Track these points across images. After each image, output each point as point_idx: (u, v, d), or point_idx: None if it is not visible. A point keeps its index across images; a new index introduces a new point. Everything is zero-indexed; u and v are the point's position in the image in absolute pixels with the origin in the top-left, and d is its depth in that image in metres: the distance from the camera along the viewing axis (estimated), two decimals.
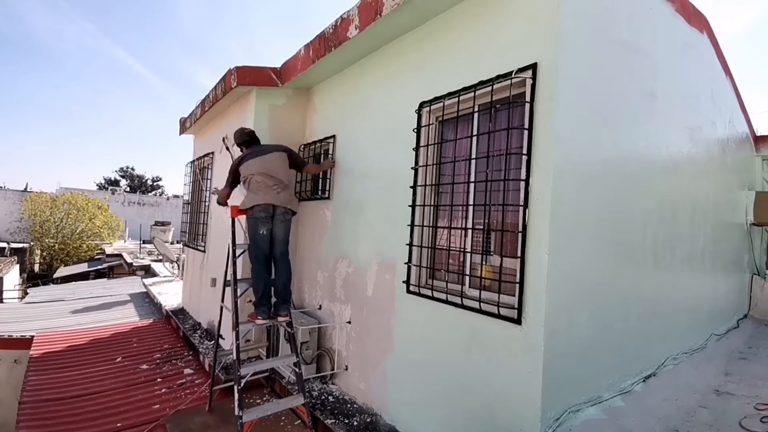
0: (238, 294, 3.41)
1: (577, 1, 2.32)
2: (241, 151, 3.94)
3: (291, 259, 3.80)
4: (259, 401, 3.77)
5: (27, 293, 10.36)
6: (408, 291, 3.01)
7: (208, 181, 6.00)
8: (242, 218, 3.68)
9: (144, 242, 20.83)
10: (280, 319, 3.54)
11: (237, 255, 3.55)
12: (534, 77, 2.29)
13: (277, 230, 3.63)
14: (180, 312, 6.53)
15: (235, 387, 3.05)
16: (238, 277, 4.11)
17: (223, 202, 3.94)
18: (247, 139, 3.91)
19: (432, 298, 2.80)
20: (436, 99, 2.90)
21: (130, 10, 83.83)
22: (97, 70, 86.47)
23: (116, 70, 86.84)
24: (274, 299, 3.61)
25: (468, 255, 2.73)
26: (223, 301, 3.72)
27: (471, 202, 2.70)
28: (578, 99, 2.38)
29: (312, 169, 4.23)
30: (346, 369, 3.68)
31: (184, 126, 7.06)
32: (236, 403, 2.99)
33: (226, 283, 3.69)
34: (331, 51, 3.62)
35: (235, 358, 3.18)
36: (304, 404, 3.22)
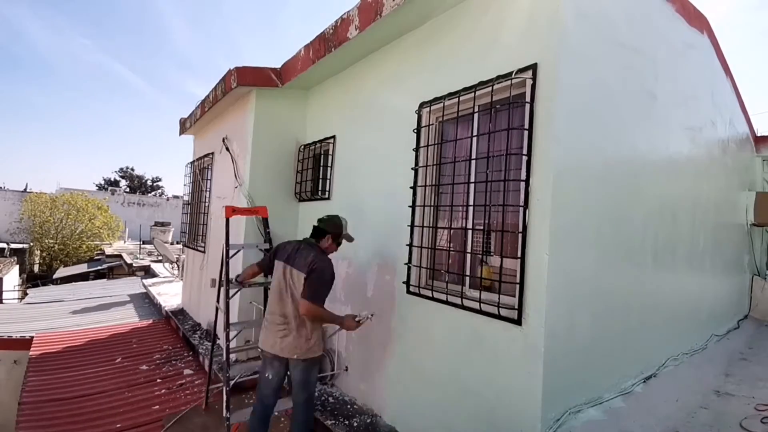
0: (230, 295, 3.37)
1: (577, 2, 2.32)
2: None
3: None
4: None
5: (27, 294, 10.35)
6: (408, 292, 3.00)
7: (208, 181, 5.99)
8: (236, 218, 3.58)
9: (144, 243, 20.85)
10: None
11: (230, 255, 3.49)
12: (534, 78, 2.29)
13: (293, 374, 2.77)
14: (180, 313, 6.52)
15: (224, 389, 3.03)
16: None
17: (247, 277, 3.27)
18: (316, 225, 2.98)
19: (432, 298, 2.80)
20: (437, 99, 2.90)
21: (124, 27, 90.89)
22: (94, 80, 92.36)
23: (112, 80, 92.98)
24: None
25: (468, 256, 2.73)
26: (218, 301, 3.70)
27: (471, 202, 2.70)
28: (578, 99, 2.38)
29: (317, 315, 2.74)
30: (346, 370, 3.68)
31: (183, 126, 7.06)
32: (224, 405, 2.97)
33: (219, 284, 3.63)
34: (331, 51, 3.62)
35: (224, 359, 3.15)
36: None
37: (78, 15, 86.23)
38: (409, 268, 3.01)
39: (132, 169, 45.78)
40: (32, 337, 5.46)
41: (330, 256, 2.92)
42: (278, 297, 2.79)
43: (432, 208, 2.98)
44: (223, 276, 3.49)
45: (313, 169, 4.60)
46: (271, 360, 2.77)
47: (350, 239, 3.10)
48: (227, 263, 3.41)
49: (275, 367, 2.78)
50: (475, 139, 2.71)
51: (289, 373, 2.82)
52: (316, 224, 2.97)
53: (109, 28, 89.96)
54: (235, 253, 3.52)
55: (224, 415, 2.96)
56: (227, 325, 3.21)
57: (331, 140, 4.22)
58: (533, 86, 2.29)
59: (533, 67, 2.29)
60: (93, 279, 14.81)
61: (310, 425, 2.85)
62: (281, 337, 2.70)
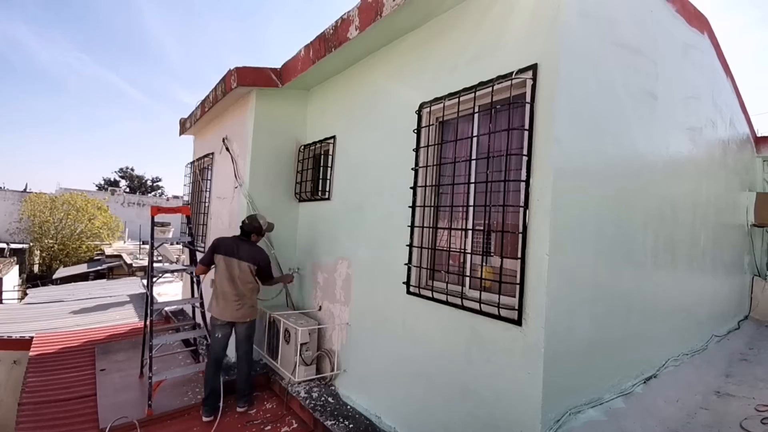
0: (153, 282, 4.22)
1: (577, 2, 2.32)
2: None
3: (293, 257, 4.00)
4: (256, 401, 3.77)
5: (26, 294, 10.35)
6: (408, 292, 3.00)
7: (208, 181, 5.99)
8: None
9: (144, 243, 20.81)
10: (238, 409, 3.64)
11: (156, 246, 4.26)
12: (534, 78, 2.29)
13: (238, 332, 3.75)
14: (180, 313, 6.52)
15: (149, 354, 3.79)
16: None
17: (199, 273, 4.06)
18: (242, 226, 3.89)
19: (432, 299, 2.79)
20: (437, 100, 2.90)
21: (119, 44, 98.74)
22: (91, 90, 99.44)
23: (109, 90, 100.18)
24: (235, 394, 3.75)
25: (468, 256, 2.73)
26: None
27: (471, 202, 2.69)
28: (578, 100, 2.38)
29: (272, 282, 4.05)
30: (346, 370, 3.67)
31: (184, 127, 7.06)
32: (148, 367, 3.72)
33: (150, 274, 4.27)
34: (331, 51, 3.62)
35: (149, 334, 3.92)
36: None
37: (74, 32, 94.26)
38: (409, 269, 3.01)
39: (132, 170, 45.80)
40: (32, 338, 5.46)
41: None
42: (230, 281, 3.69)
43: (432, 208, 2.98)
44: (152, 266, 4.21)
45: (313, 170, 4.59)
46: (223, 325, 3.69)
47: (271, 229, 4.07)
48: (151, 253, 4.31)
49: (225, 329, 3.71)
50: (475, 139, 2.71)
51: (236, 332, 3.76)
52: (242, 226, 3.88)
53: (105, 44, 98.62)
54: (159, 245, 4.11)
55: (148, 375, 3.67)
56: (150, 309, 3.94)
57: (331, 140, 4.22)
58: (533, 86, 2.29)
59: (533, 68, 2.29)
60: (93, 279, 14.79)
61: (253, 373, 3.89)
62: (236, 309, 3.67)
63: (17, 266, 16.98)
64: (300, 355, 3.71)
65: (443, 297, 2.69)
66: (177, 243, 4.42)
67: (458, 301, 2.58)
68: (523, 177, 2.30)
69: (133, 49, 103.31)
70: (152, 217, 4.31)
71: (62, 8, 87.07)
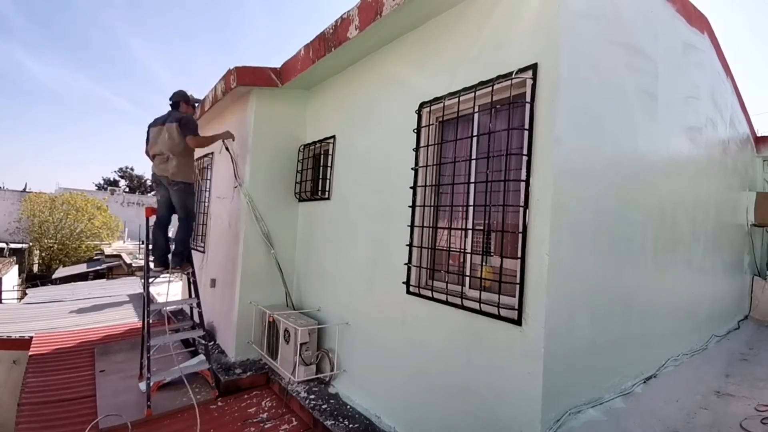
0: (150, 281, 4.39)
1: (577, 2, 2.32)
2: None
3: (293, 257, 4.15)
4: (255, 400, 3.77)
5: (26, 294, 10.35)
6: (408, 292, 3.00)
7: (208, 181, 5.98)
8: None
9: (143, 243, 20.80)
10: (170, 268, 4.27)
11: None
12: (534, 78, 2.29)
13: (173, 198, 4.26)
14: (179, 313, 6.52)
15: (146, 355, 3.78)
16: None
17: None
18: (170, 103, 4.38)
19: (432, 299, 2.79)
20: (437, 99, 2.90)
21: (112, 65, 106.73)
22: (88, 103, 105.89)
23: (102, 103, 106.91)
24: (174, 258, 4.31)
25: (468, 256, 2.72)
26: (190, 295, 4.61)
27: (471, 202, 2.69)
28: (578, 100, 2.38)
29: (201, 141, 4.28)
30: (346, 370, 3.67)
31: None
32: (146, 367, 3.71)
33: (146, 276, 4.34)
34: (331, 51, 3.61)
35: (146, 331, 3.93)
36: (209, 369, 4.04)
37: (70, 54, 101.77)
38: (409, 269, 3.00)
39: (131, 169, 45.81)
40: (31, 338, 5.45)
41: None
42: (160, 143, 4.13)
43: (432, 208, 2.97)
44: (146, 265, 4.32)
45: (313, 169, 4.59)
46: (159, 185, 4.27)
47: (196, 101, 4.73)
48: (147, 254, 4.37)
49: (163, 190, 4.27)
50: (475, 139, 2.70)
51: (171, 195, 4.26)
52: (170, 103, 4.34)
53: (98, 65, 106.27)
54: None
55: (147, 375, 3.66)
56: (148, 310, 4.00)
57: (331, 140, 4.21)
58: (533, 86, 2.29)
59: (533, 67, 2.29)
60: (92, 279, 14.80)
61: (186, 235, 4.37)
62: (163, 164, 4.14)
63: (17, 266, 16.97)
64: (300, 355, 3.70)
65: (443, 297, 2.68)
66: None
67: (458, 300, 2.58)
68: (523, 177, 2.30)
69: (124, 72, 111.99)
70: (147, 219, 4.31)
71: (58, 38, 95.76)
